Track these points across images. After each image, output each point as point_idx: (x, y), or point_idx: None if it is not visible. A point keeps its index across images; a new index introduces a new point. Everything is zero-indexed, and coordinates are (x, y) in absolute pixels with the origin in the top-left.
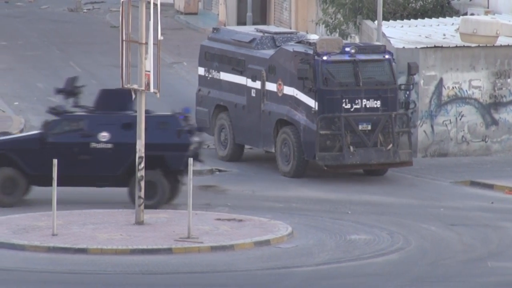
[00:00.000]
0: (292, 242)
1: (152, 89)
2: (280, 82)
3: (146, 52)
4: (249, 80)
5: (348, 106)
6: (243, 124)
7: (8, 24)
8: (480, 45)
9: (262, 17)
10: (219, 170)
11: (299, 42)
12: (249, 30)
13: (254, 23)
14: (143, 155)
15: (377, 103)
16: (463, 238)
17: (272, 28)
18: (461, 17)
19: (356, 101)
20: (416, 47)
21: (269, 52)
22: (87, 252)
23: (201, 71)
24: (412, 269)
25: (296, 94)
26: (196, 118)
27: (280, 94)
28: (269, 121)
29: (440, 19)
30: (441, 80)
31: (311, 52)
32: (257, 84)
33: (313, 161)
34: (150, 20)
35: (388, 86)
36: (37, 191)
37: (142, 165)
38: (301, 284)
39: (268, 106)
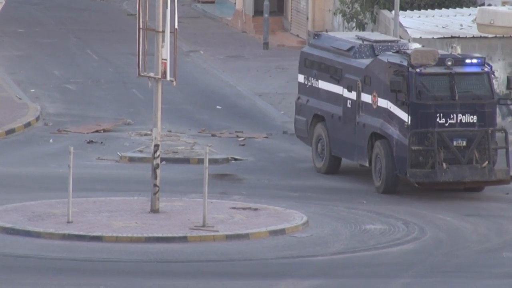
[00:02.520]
0: (307, 231)
1: (168, 78)
2: (375, 94)
3: (163, 41)
4: (345, 90)
5: (443, 121)
6: (339, 135)
7: (25, 11)
8: (497, 35)
9: (279, 6)
10: (235, 159)
11: (397, 52)
12: (350, 37)
13: (270, 13)
14: (159, 143)
15: (474, 118)
16: (478, 228)
17: (374, 36)
18: (478, 7)
19: (451, 116)
20: (433, 38)
21: (365, 62)
22: (102, 240)
23: (301, 78)
24: (427, 259)
25: (390, 107)
26: (295, 127)
27: (374, 106)
28: (363, 133)
29: (457, 9)
30: None
31: (405, 63)
32: (353, 95)
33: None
34: (167, 8)
35: (485, 101)
36: (52, 178)
37: (158, 153)
38: (316, 273)
39: (363, 118)
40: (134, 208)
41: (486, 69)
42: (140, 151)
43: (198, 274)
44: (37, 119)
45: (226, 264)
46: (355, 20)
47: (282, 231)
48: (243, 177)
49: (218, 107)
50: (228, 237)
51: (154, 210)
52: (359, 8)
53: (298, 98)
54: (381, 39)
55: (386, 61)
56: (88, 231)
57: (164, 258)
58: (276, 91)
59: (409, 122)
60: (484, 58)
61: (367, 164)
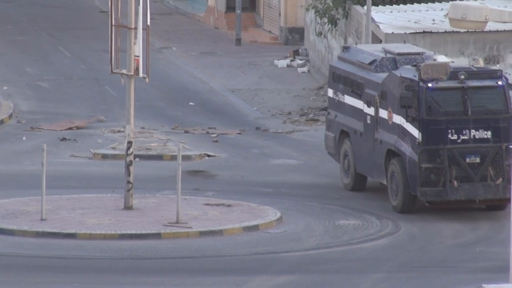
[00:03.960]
0: (281, 227)
1: (141, 74)
2: (390, 109)
3: (135, 37)
4: (365, 106)
5: (455, 137)
6: (362, 152)
7: None
8: (469, 30)
9: (251, 3)
10: (208, 155)
11: (415, 65)
12: (376, 49)
13: (243, 9)
14: (132, 140)
15: (488, 134)
16: (452, 223)
17: (399, 48)
18: (450, 2)
19: (464, 132)
20: (405, 33)
21: (383, 76)
22: (76, 237)
23: (330, 93)
24: (401, 254)
25: (403, 123)
26: (325, 143)
27: (390, 122)
28: (381, 150)
29: (429, 4)
30: None
31: (417, 77)
32: (372, 110)
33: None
34: (139, 5)
35: (500, 115)
36: (26, 175)
37: (131, 150)
38: (290, 269)
39: (380, 135)
40: (107, 205)
41: (500, 83)
42: (113, 148)
43: (172, 271)
44: (10, 116)
45: (199, 261)
46: (327, 15)
47: (255, 227)
48: (216, 173)
49: (191, 103)
50: (202, 234)
51: (128, 207)
52: (331, 4)
53: (328, 113)
54: (406, 52)
55: (399, 75)
56: (62, 228)
57: (138, 255)
58: (249, 87)
59: (420, 139)
60: (501, 71)
61: (385, 182)
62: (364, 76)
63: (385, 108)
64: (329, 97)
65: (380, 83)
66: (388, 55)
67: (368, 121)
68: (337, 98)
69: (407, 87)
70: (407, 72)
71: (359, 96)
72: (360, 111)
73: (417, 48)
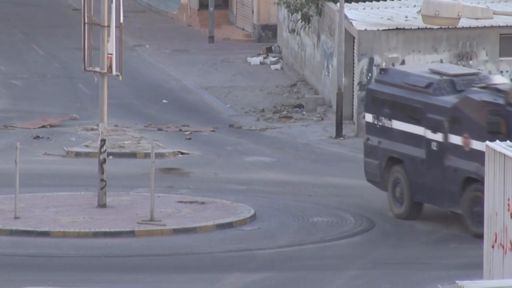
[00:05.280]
0: (255, 224)
1: (114, 72)
2: (466, 135)
3: (109, 35)
4: (428, 131)
5: None
6: (423, 180)
7: None
8: (442, 27)
9: (224, 1)
10: (182, 153)
11: (485, 87)
12: (421, 70)
13: (216, 6)
14: (105, 138)
15: None
16: (426, 220)
17: (448, 68)
18: None
19: None
20: (378, 29)
21: (449, 100)
22: (49, 235)
23: (369, 117)
24: (375, 251)
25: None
26: (366, 171)
27: (467, 149)
28: (455, 178)
29: (402, 1)
30: (403, 62)
31: (501, 101)
32: (439, 136)
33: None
34: (112, 2)
35: None
36: None
37: (104, 148)
38: (264, 266)
39: (453, 162)
40: (81, 203)
41: None
42: (87, 146)
43: (146, 268)
44: None
45: (173, 258)
46: (300, 12)
47: (229, 225)
48: (190, 171)
49: (164, 101)
50: (176, 231)
51: (101, 205)
52: (303, 0)
53: (367, 139)
54: (460, 73)
55: (479, 99)
56: (36, 226)
57: (112, 252)
58: (222, 84)
59: None
60: None
61: (459, 211)
62: (423, 100)
63: (458, 134)
64: (367, 122)
65: (450, 107)
66: (444, 77)
67: (434, 148)
68: (379, 123)
69: (491, 112)
70: (485, 96)
71: (416, 121)
72: (420, 137)
73: (465, 68)
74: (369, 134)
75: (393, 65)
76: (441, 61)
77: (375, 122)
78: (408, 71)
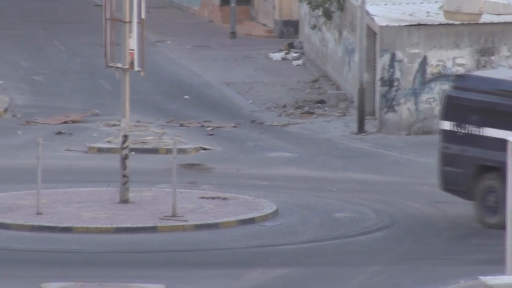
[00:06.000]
0: (277, 220)
1: (136, 68)
2: None
3: (130, 31)
4: None
5: None
6: None
7: None
8: (464, 22)
9: None
10: (204, 149)
11: None
12: (506, 75)
13: (237, 2)
14: (127, 133)
15: None
16: (448, 215)
17: None
18: None
19: None
20: (399, 25)
21: None
22: (72, 231)
23: (447, 125)
24: (397, 247)
25: None
26: (444, 180)
27: None
28: None
29: None
30: (425, 58)
31: None
32: None
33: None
34: None
35: None
36: (21, 169)
37: (126, 143)
38: (286, 262)
39: None
40: (103, 199)
41: None
42: (109, 142)
43: (168, 264)
44: (5, 110)
45: (195, 254)
46: (321, 8)
47: (251, 220)
48: (212, 166)
49: (186, 96)
50: (198, 227)
51: (124, 201)
52: None
53: (445, 147)
54: None
55: None
56: (58, 222)
57: (134, 248)
58: (244, 80)
59: None
60: None
61: None
62: None
63: None
64: (445, 130)
65: None
66: None
67: None
68: (463, 131)
69: None
70: None
71: None
72: None
73: None
74: (447, 142)
75: (427, 61)
76: (463, 58)
77: (457, 130)
78: (490, 76)
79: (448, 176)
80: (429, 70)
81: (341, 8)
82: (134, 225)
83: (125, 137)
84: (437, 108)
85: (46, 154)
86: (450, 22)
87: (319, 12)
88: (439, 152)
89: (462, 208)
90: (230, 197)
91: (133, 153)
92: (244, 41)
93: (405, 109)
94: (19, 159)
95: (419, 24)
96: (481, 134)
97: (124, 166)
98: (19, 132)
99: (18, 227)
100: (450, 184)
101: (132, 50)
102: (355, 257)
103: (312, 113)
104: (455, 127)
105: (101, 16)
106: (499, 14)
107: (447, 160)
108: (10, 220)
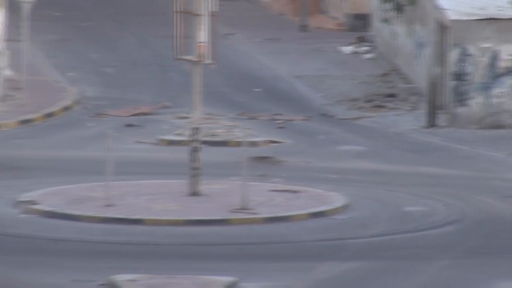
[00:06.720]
0: (347, 213)
1: (206, 60)
2: None
3: (200, 23)
4: None
5: None
6: None
7: None
8: None
9: None
10: (274, 142)
11: None
12: None
13: None
14: (198, 126)
15: None
16: None
17: None
18: None
19: None
20: (471, 19)
21: None
22: (142, 223)
23: None
24: (467, 241)
25: None
26: None
27: None
28: None
29: None
30: (496, 52)
31: None
32: None
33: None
34: None
35: None
36: (91, 161)
37: (197, 136)
38: (356, 255)
39: None
40: (173, 191)
41: None
42: (179, 134)
43: (238, 257)
44: (76, 102)
45: (266, 247)
46: (392, 2)
47: (322, 213)
48: (282, 159)
49: (256, 89)
50: (268, 220)
51: (194, 193)
52: None
53: None
54: None
55: None
56: (128, 214)
57: (204, 241)
58: (314, 73)
59: None
60: None
61: None
62: None
63: None
64: None
65: None
66: None
67: None
68: None
69: None
70: None
71: None
72: None
73: None
74: None
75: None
76: None
77: None
78: None
79: None
80: (500, 64)
81: (412, 1)
82: (205, 218)
83: (196, 129)
84: (508, 102)
85: (116, 146)
86: None
87: (390, 5)
88: None
89: None
90: (301, 190)
91: (203, 145)
92: (315, 34)
93: (476, 103)
94: (89, 151)
95: (490, 18)
96: None
97: (194, 159)
98: (89, 124)
99: (88, 219)
100: None
101: (203, 42)
102: (425, 251)
103: (383, 106)
104: None
105: (172, 8)
106: None
107: None
108: (80, 211)
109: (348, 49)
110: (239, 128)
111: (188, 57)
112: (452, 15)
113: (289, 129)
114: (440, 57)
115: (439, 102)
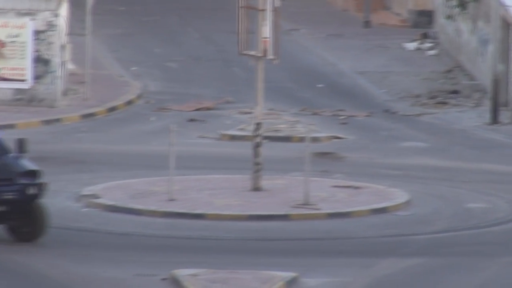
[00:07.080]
0: (409, 210)
1: (269, 56)
2: None
3: (264, 19)
4: None
5: None
6: None
7: None
8: None
9: None
10: (337, 137)
11: None
12: None
13: None
14: (260, 121)
15: None
16: None
17: None
18: None
19: None
20: None
21: None
22: (204, 218)
23: None
24: None
25: None
26: None
27: None
28: None
29: None
30: None
31: None
32: None
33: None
34: None
35: None
36: (154, 156)
37: (259, 131)
38: (418, 251)
39: None
40: (235, 186)
41: None
42: (242, 129)
43: (299, 252)
44: (139, 97)
45: (327, 242)
46: None
47: (384, 210)
48: (344, 155)
49: (319, 85)
50: (330, 215)
51: (256, 188)
52: None
53: None
54: None
55: None
56: (190, 208)
57: (266, 236)
58: (377, 69)
59: None
60: None
61: None
62: None
63: None
64: None
65: None
66: None
67: None
68: None
69: None
70: None
71: None
72: None
73: None
74: None
75: None
76: None
77: None
78: None
79: None
80: None
81: None
82: (266, 213)
83: (258, 124)
84: None
85: (178, 140)
86: None
87: (454, 2)
88: None
89: None
90: (363, 186)
91: (265, 140)
92: (378, 31)
93: None
94: (152, 145)
95: None
96: None
97: (256, 154)
98: (152, 118)
99: (150, 213)
100: None
101: (266, 38)
102: (487, 248)
103: (446, 103)
104: None
105: (236, 4)
106: None
107: None
108: (142, 206)
109: (411, 45)
110: (301, 124)
111: (252, 52)
112: None
113: (352, 125)
114: (504, 54)
115: (502, 99)
